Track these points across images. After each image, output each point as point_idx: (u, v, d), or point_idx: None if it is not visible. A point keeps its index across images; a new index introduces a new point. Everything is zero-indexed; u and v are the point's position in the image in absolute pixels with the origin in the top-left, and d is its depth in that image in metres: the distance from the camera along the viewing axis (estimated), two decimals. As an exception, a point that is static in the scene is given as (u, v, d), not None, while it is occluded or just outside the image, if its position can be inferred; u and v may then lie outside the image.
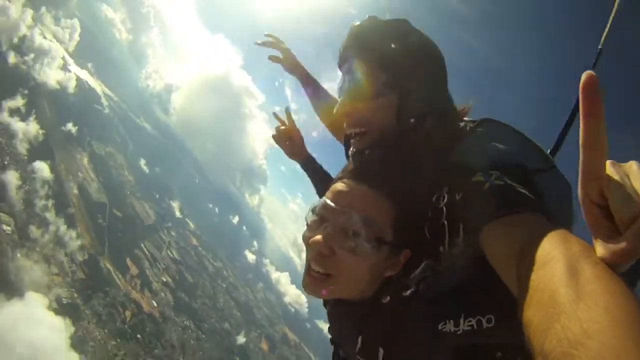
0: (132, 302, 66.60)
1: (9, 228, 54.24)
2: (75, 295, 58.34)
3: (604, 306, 0.46)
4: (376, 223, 1.04)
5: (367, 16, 1.29)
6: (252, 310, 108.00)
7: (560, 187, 1.06)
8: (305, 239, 1.11)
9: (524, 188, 0.94)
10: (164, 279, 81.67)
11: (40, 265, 55.71)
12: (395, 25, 1.26)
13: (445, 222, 1.01)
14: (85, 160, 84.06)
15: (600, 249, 0.59)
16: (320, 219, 1.11)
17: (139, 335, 61.08)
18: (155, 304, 71.67)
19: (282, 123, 1.99)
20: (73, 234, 65.11)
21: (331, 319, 1.35)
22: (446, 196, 1.03)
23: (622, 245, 0.55)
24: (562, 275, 0.55)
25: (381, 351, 1.09)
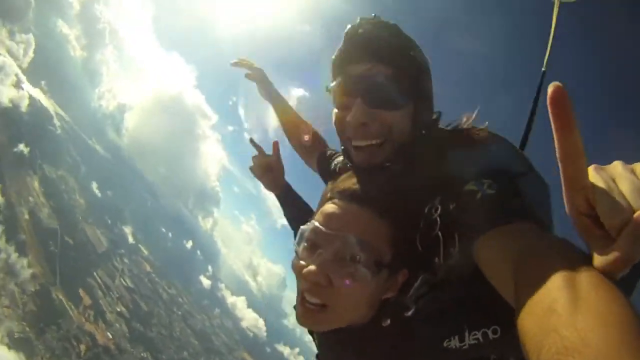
0: (86, 334, 63.17)
1: (-47, 258, 50.50)
2: (27, 329, 54.40)
3: (601, 315, 0.46)
4: (374, 245, 0.98)
5: (373, 16, 1.20)
6: (210, 337, 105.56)
7: (540, 189, 1.05)
8: (297, 268, 1.03)
9: (515, 196, 0.95)
10: (118, 309, 78.15)
11: (-11, 297, 51.97)
12: (400, 29, 1.18)
13: (440, 233, 0.97)
14: (36, 184, 79.20)
15: (596, 260, 0.58)
16: (312, 245, 1.02)
17: (95, 370, 58.00)
18: (110, 336, 68.42)
19: (261, 153, 1.85)
20: (24, 262, 60.94)
21: (323, 348, 1.30)
22: (439, 207, 1.00)
23: (616, 254, 0.54)
24: (559, 285, 0.55)
25: None
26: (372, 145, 1.14)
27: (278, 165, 1.82)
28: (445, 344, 0.93)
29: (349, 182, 1.07)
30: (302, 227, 1.08)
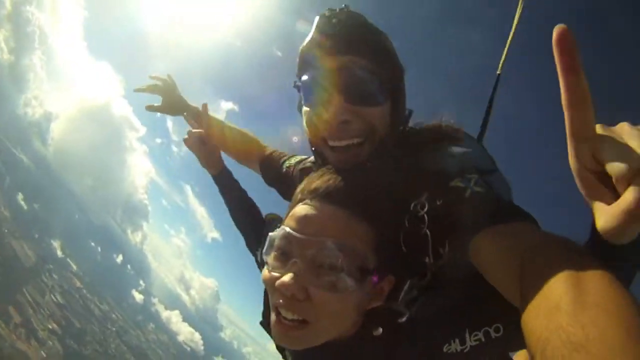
0: (19, 353, 61.44)
1: None
2: (-40, 349, 52.93)
3: (606, 312, 0.46)
4: (356, 249, 0.87)
5: (344, 6, 1.09)
6: (146, 353, 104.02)
7: (505, 186, 1.04)
8: (268, 281, 0.90)
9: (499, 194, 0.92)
10: (50, 326, 75.72)
11: None
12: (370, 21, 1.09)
13: (428, 232, 0.91)
14: (-39, 196, 74.49)
15: (603, 217, 0.56)
16: (284, 253, 0.89)
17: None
18: (44, 354, 66.71)
19: (194, 126, 1.70)
20: (-47, 279, 58.45)
21: None
22: (426, 203, 0.93)
23: (627, 204, 0.51)
24: (565, 284, 0.53)
25: None
26: (352, 145, 1.04)
27: (212, 138, 1.65)
28: (445, 349, 0.87)
29: (321, 180, 0.95)
30: (270, 233, 0.95)
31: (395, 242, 0.95)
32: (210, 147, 1.65)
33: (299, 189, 1.00)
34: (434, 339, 0.89)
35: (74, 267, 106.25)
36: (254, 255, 1.38)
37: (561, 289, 0.53)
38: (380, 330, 0.92)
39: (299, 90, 1.16)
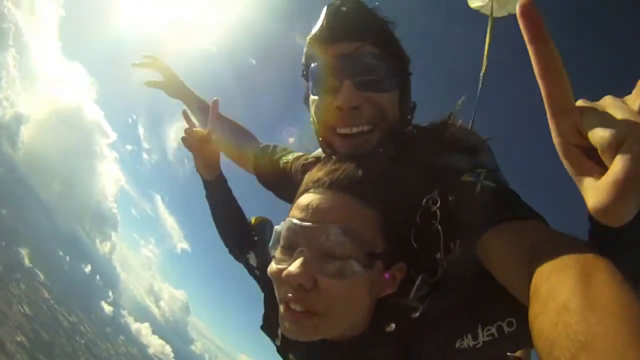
0: (-14, 367, 59.42)
1: None
2: None
3: (614, 313, 0.46)
4: (364, 235, 0.85)
5: None
6: None
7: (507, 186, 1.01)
8: (275, 273, 0.88)
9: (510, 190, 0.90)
10: (18, 339, 72.94)
11: None
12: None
13: (439, 227, 0.90)
14: None
15: (592, 194, 0.53)
16: (290, 245, 0.87)
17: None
18: None
19: (193, 125, 1.50)
20: None
21: None
22: (439, 199, 0.93)
23: (615, 174, 0.48)
24: (574, 284, 0.53)
25: None
26: (362, 132, 1.03)
27: (212, 140, 1.46)
28: (458, 345, 0.86)
29: (325, 170, 0.94)
30: (276, 227, 0.94)
31: (406, 236, 0.94)
32: (211, 150, 1.47)
33: (303, 181, 0.99)
34: (445, 335, 0.88)
35: (42, 276, 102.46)
36: (242, 260, 1.38)
37: (570, 288, 0.52)
38: (393, 326, 0.91)
39: (307, 80, 1.14)
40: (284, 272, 0.83)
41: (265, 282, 1.17)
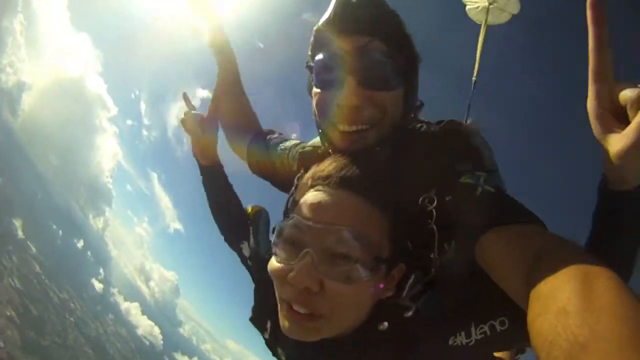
0: (-26, 341, 56.83)
1: None
2: None
3: (614, 315, 0.46)
4: (372, 239, 0.84)
5: None
6: (104, 346, 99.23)
7: (504, 187, 1.04)
8: (277, 272, 0.86)
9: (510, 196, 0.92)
10: (8, 313, 70.43)
11: None
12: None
13: (435, 227, 0.89)
14: None
15: (616, 142, 0.66)
16: (294, 244, 0.85)
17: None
18: (2, 344, 61.84)
19: (193, 108, 1.48)
20: None
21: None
22: (435, 198, 0.92)
23: (638, 121, 0.61)
24: (574, 287, 0.54)
25: None
26: (361, 130, 1.02)
27: (213, 125, 1.44)
28: (451, 342, 0.87)
29: (334, 166, 0.91)
30: (279, 222, 0.91)
31: (406, 235, 0.93)
32: (209, 137, 1.43)
33: (307, 175, 0.96)
34: (439, 333, 0.88)
35: (34, 249, 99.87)
36: (236, 249, 1.35)
37: (570, 291, 0.54)
38: (386, 324, 0.89)
39: (310, 71, 1.12)
40: (290, 274, 0.81)
41: (257, 273, 1.16)
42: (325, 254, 0.82)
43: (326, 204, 0.85)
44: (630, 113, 0.64)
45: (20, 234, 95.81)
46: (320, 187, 0.88)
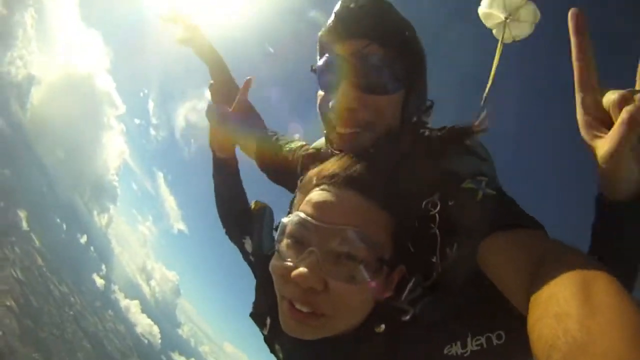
0: (-27, 328, 56.96)
1: None
2: None
3: (614, 320, 0.47)
4: (377, 240, 0.85)
5: None
6: (103, 341, 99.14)
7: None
8: (279, 269, 0.86)
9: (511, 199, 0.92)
10: (8, 303, 70.70)
11: None
12: (395, 8, 1.06)
13: (437, 231, 0.90)
14: None
15: (603, 145, 0.68)
16: (298, 242, 0.86)
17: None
18: (0, 333, 61.98)
19: (218, 101, 1.44)
20: None
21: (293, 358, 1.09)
22: (439, 203, 0.93)
23: (621, 120, 0.63)
24: (574, 292, 0.55)
25: None
26: (356, 133, 1.04)
27: (238, 115, 1.38)
28: (445, 351, 0.86)
29: (339, 165, 0.92)
30: (282, 220, 0.92)
31: (410, 235, 0.93)
32: (229, 131, 1.41)
33: (312, 173, 0.96)
34: (435, 340, 0.87)
35: (37, 242, 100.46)
36: (238, 244, 1.36)
37: (570, 295, 0.55)
38: (383, 327, 0.89)
39: (315, 74, 1.15)
40: (294, 273, 0.81)
41: (259, 269, 1.18)
42: (329, 253, 0.82)
43: (332, 203, 0.86)
44: (613, 115, 0.66)
45: (24, 225, 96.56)
46: (325, 186, 0.89)
